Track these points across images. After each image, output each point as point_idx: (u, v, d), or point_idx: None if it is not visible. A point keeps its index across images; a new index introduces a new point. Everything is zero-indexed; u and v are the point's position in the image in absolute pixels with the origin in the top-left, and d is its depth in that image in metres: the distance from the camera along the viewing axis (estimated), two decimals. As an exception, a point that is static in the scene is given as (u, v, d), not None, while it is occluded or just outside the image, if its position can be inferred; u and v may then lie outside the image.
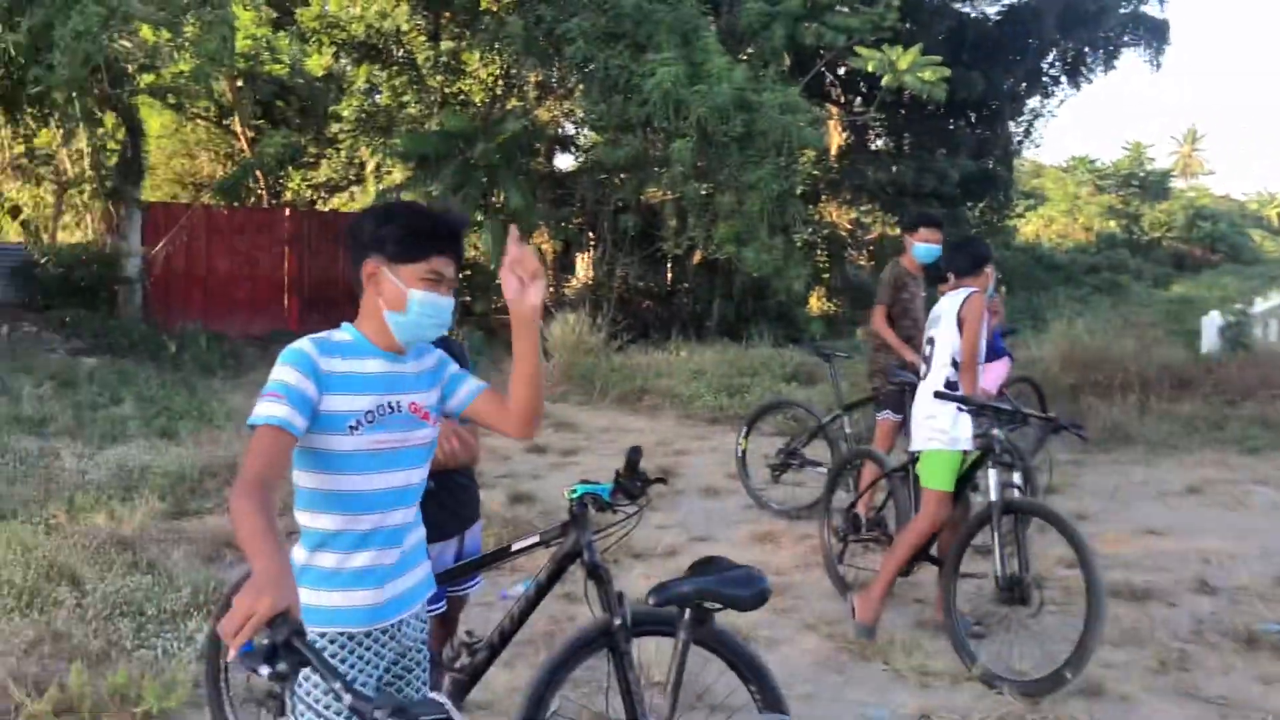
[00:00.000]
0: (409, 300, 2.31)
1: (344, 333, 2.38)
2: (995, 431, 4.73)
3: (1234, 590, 5.59)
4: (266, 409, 2.15)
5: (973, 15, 21.97)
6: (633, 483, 3.17)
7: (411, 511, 2.44)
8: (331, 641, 2.29)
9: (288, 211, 18.66)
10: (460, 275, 10.50)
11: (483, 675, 3.39)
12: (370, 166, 19.31)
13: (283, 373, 2.21)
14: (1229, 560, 6.09)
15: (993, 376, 8.45)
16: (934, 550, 5.12)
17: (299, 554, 2.34)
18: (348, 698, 1.75)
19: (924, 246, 6.39)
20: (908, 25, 17.57)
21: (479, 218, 16.35)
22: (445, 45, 17.72)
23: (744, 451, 7.56)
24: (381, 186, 18.14)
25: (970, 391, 4.90)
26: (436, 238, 2.36)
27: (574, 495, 3.17)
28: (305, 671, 1.92)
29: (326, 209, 20.70)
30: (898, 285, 6.55)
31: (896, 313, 6.52)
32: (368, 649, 2.33)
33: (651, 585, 3.00)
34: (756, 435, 7.93)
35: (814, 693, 4.35)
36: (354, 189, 20.85)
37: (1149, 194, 41.37)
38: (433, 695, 1.73)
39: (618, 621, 3.01)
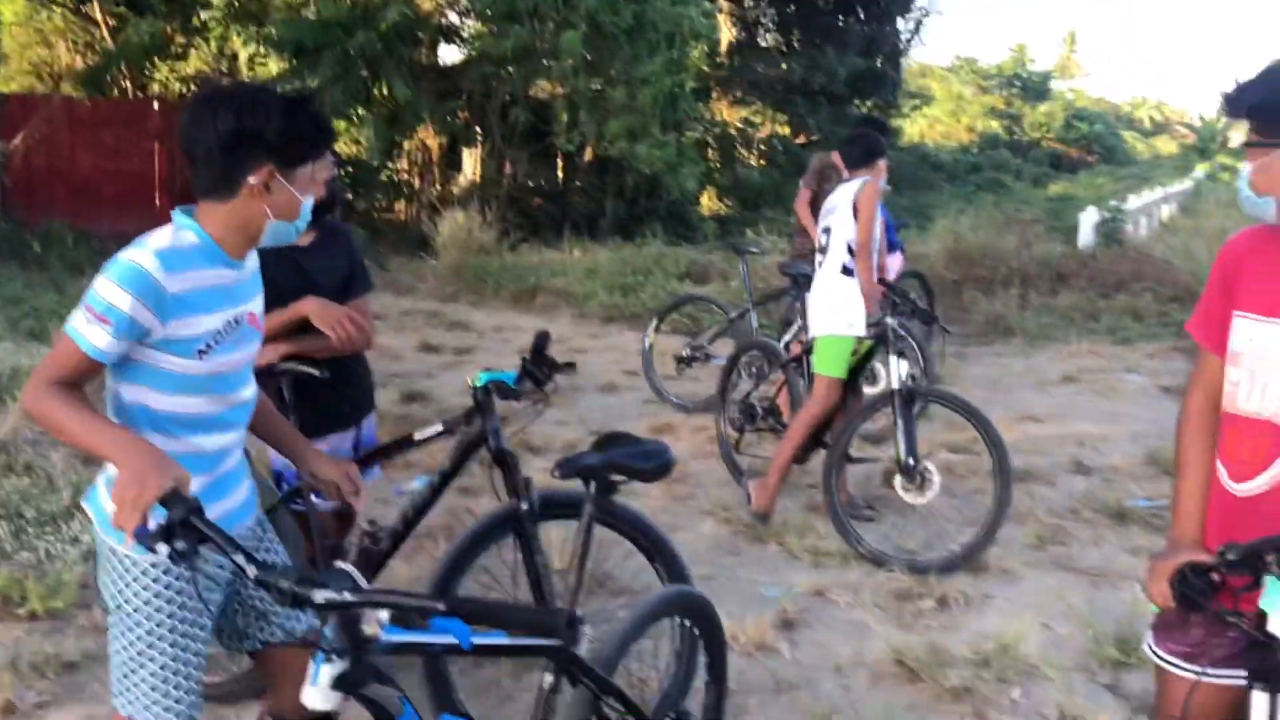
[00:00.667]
0: (303, 209, 2.08)
1: (189, 233, 2.04)
2: (889, 320, 4.83)
3: (1106, 470, 5.88)
4: (89, 332, 1.92)
5: (863, -91, 21.83)
6: (540, 368, 3.14)
7: (238, 433, 2.22)
8: (165, 572, 2.07)
9: (156, 105, 17.71)
10: (344, 171, 10.12)
11: (384, 565, 3.37)
12: (243, 57, 18.39)
13: (116, 295, 1.91)
14: (1102, 443, 6.39)
15: (889, 269, 8.60)
16: (828, 437, 5.25)
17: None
18: (253, 570, 1.71)
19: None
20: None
21: (360, 110, 15.79)
22: (320, -72, 16.84)
23: (651, 344, 7.58)
24: (256, 79, 17.32)
25: (867, 279, 4.96)
26: (327, 134, 2.14)
27: (479, 383, 3.12)
28: (205, 552, 1.86)
29: (197, 102, 19.71)
30: (823, 175, 6.63)
31: (820, 197, 6.58)
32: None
33: (550, 479, 2.99)
34: (663, 331, 7.94)
35: (712, 574, 4.45)
36: (225, 81, 19.88)
37: (1030, 95, 42.31)
38: (341, 565, 1.70)
39: (524, 506, 3.01)
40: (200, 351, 2.02)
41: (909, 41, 24.67)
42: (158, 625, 2.06)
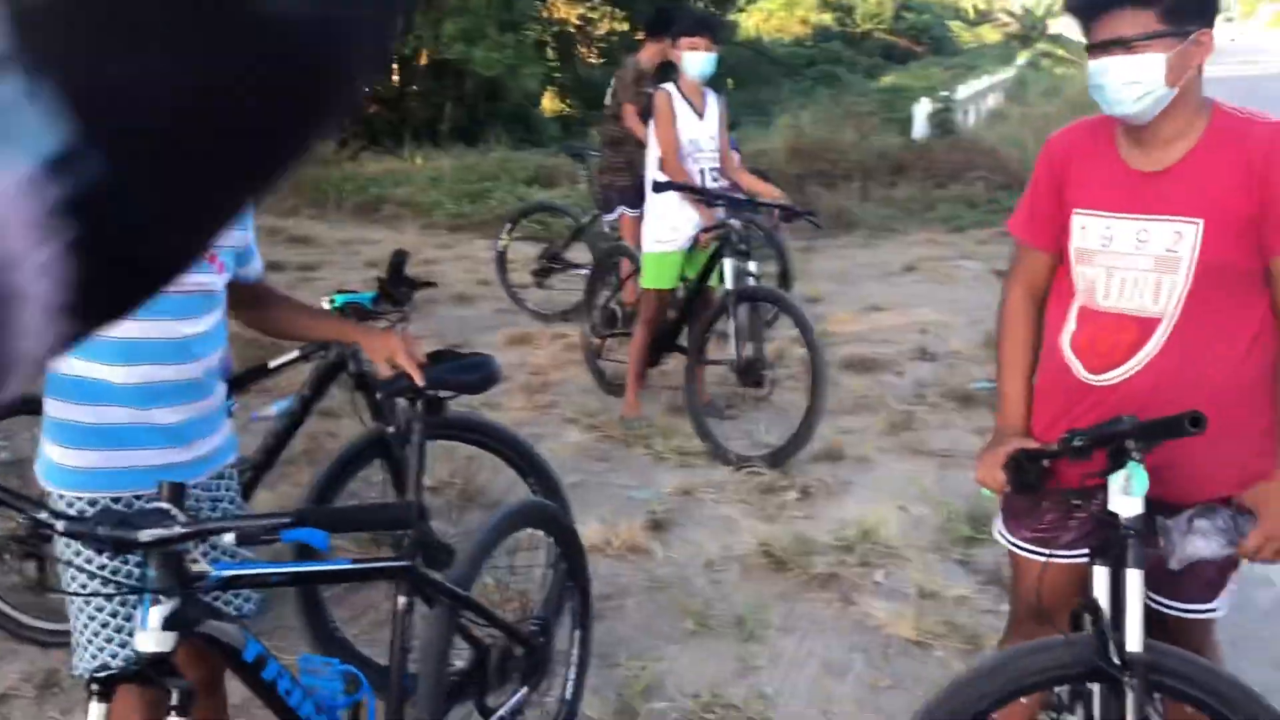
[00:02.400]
0: None
1: None
2: (732, 222, 4.86)
3: (949, 355, 6.15)
4: None
5: None
6: (399, 288, 3.06)
7: (189, 369, 2.08)
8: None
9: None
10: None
11: (249, 497, 3.28)
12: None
13: None
14: (943, 329, 6.66)
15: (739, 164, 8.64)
16: (683, 340, 5.31)
17: (53, 406, 2.02)
18: (61, 524, 1.65)
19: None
20: None
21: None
22: None
23: (505, 248, 7.44)
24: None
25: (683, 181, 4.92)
26: None
27: (334, 305, 3.03)
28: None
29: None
30: (640, 83, 6.48)
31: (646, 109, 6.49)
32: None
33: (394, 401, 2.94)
34: (515, 238, 7.82)
35: (581, 481, 4.49)
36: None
37: (860, -14, 42.65)
38: (160, 504, 1.64)
39: (390, 429, 2.96)
40: None
41: (743, -67, 24.53)
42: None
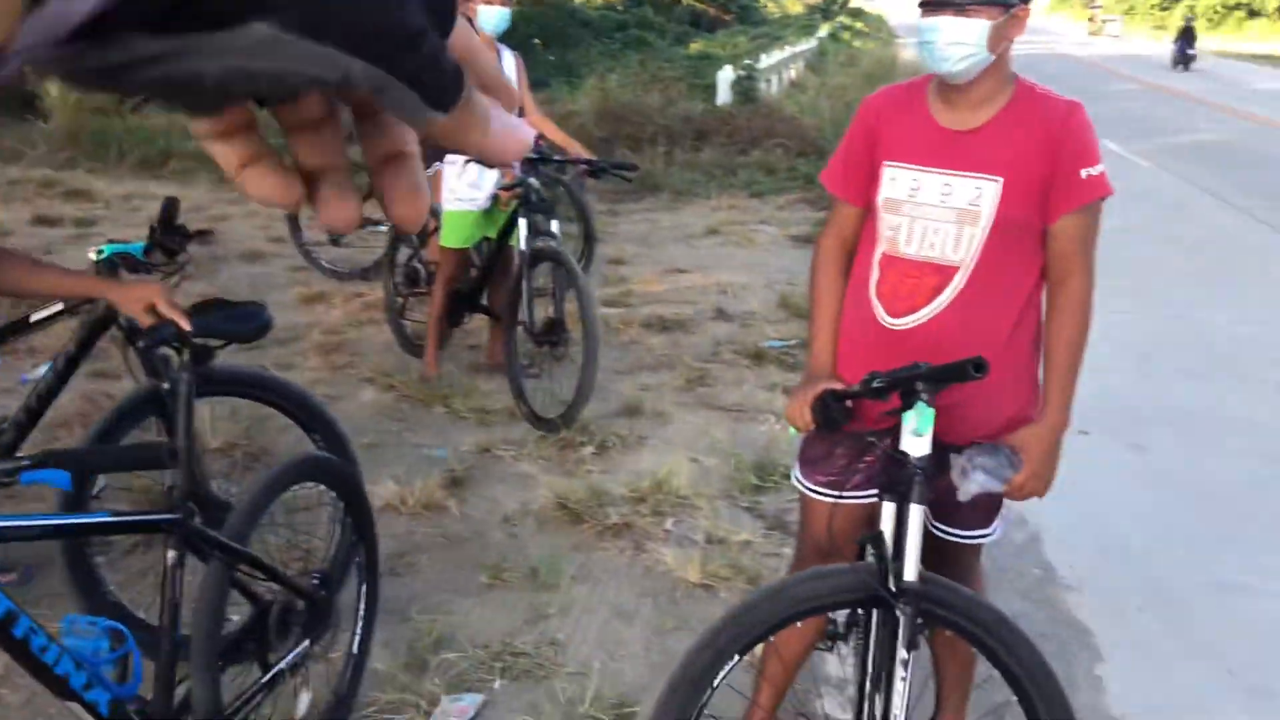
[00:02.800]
0: None
1: None
2: (531, 180, 4.82)
3: (745, 315, 6.34)
4: None
5: None
6: (171, 238, 2.92)
7: None
8: None
9: None
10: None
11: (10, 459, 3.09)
12: None
13: None
14: (741, 290, 6.86)
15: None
16: (484, 300, 5.30)
17: None
18: None
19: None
20: None
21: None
22: None
23: (302, 221, 7.18)
24: None
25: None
26: None
27: (101, 256, 2.87)
28: None
29: None
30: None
31: None
32: None
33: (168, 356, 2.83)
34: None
35: (377, 441, 4.43)
36: None
37: (670, -47, 43.00)
38: None
39: (165, 385, 2.83)
40: None
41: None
42: None
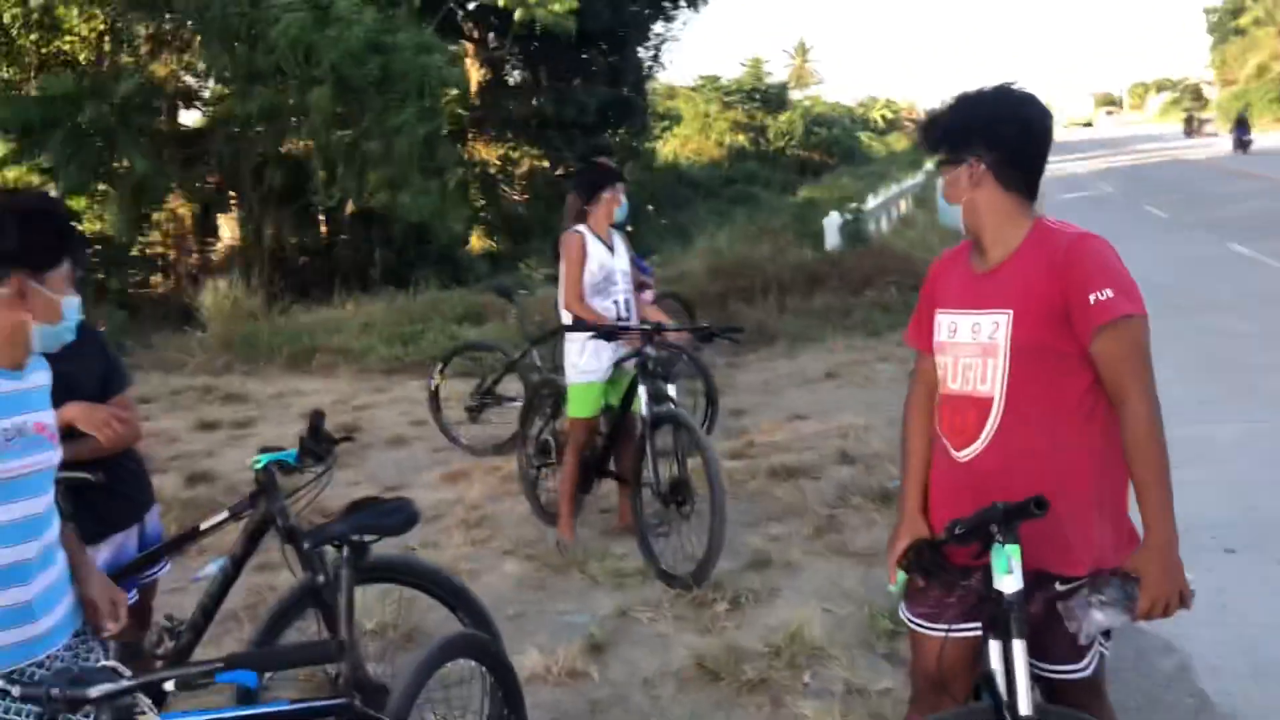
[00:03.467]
0: (64, 309, 2.19)
1: None
2: (649, 350, 5.08)
3: (869, 457, 6.39)
4: None
5: (593, -56, 22.55)
6: (318, 444, 3.23)
7: (43, 540, 2.19)
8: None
9: None
10: (90, 252, 9.70)
11: (189, 657, 3.37)
12: (-39, 141, 17.26)
13: None
14: (864, 432, 6.93)
15: (646, 299, 9.01)
16: (612, 465, 5.52)
17: None
18: (16, 689, 1.79)
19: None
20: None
21: (100, 187, 15.10)
22: (35, 1, 16.01)
23: (437, 387, 7.63)
24: (-21, 162, 16.28)
25: (595, 319, 5.14)
26: (70, 234, 2.22)
27: (258, 465, 3.18)
28: None
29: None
30: (579, 215, 6.84)
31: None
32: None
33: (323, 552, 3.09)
34: (447, 376, 8.03)
35: (520, 611, 4.61)
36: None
37: (770, 106, 44.57)
38: (107, 663, 1.79)
39: (321, 578, 3.08)
40: None
41: (650, 69, 25.67)
42: None
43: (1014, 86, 2.35)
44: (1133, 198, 22.47)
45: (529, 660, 4.01)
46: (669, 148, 41.14)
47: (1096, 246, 2.23)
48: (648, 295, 8.77)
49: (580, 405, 5.30)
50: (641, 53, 24.56)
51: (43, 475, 2.19)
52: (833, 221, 14.44)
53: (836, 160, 43.26)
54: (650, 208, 24.39)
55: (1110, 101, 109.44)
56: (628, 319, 5.33)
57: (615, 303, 5.30)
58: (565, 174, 21.61)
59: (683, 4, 24.67)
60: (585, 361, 5.24)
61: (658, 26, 24.81)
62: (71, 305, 2.21)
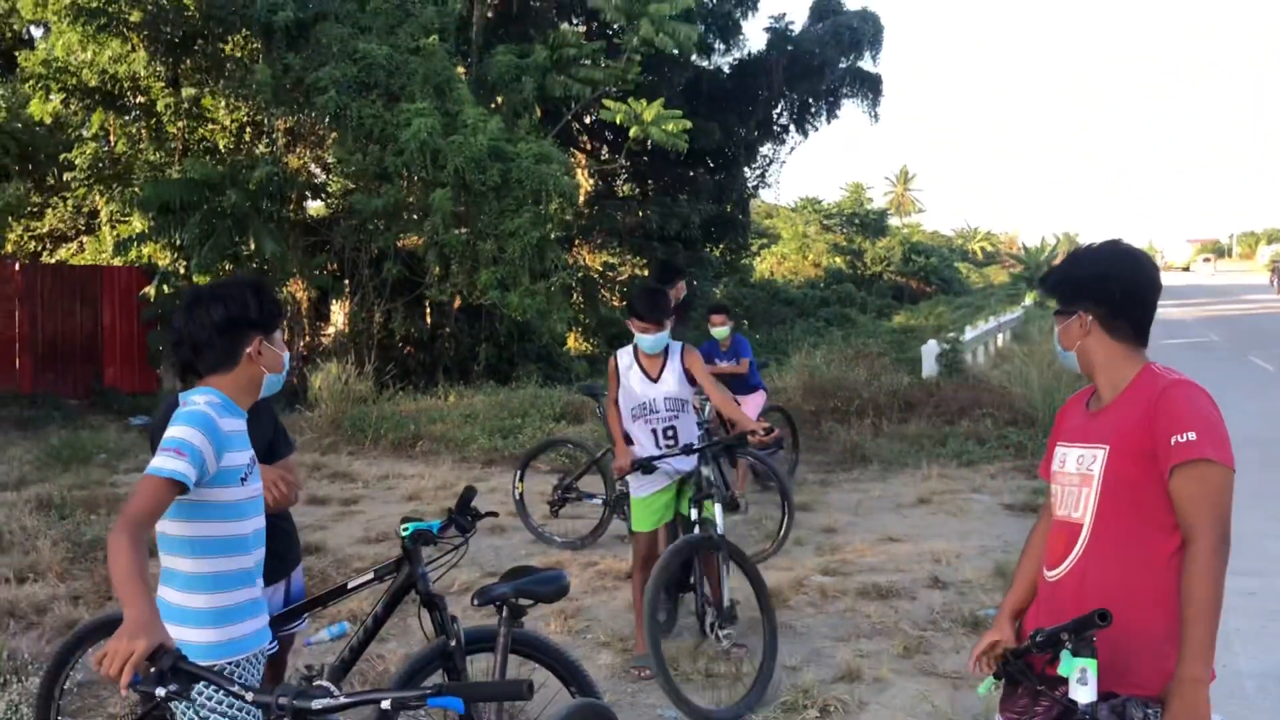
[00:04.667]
0: (285, 361, 2.76)
1: (215, 396, 2.67)
2: (704, 470, 5.14)
3: (960, 583, 6.47)
4: (168, 463, 2.42)
5: (708, 68, 23.47)
6: (464, 518, 3.52)
7: (258, 556, 2.78)
8: (236, 666, 2.60)
9: (17, 266, 17.48)
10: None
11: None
12: (104, 216, 18.44)
13: (185, 432, 2.50)
14: (955, 558, 7.00)
15: (751, 407, 9.24)
16: (691, 579, 5.43)
17: (174, 596, 2.60)
18: (249, 695, 2.06)
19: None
20: (649, 77, 18.63)
21: (228, 266, 15.98)
22: (187, 92, 17.24)
23: (521, 493, 7.95)
24: (119, 237, 17.37)
25: (622, 438, 5.30)
26: (279, 305, 2.79)
27: (406, 532, 3.47)
28: (199, 687, 2.32)
29: (53, 260, 19.53)
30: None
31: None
32: (253, 667, 2.68)
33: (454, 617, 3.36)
34: (532, 474, 8.36)
35: (615, 701, 4.78)
36: (83, 238, 19.80)
37: (869, 231, 44.98)
38: (320, 682, 2.06)
39: (453, 642, 3.34)
40: (242, 479, 2.63)
41: (756, 187, 26.32)
42: None
43: (1122, 243, 2.59)
44: (1238, 348, 22.15)
45: (623, 747, 4.18)
46: (765, 265, 41.74)
47: (1190, 393, 2.41)
48: (759, 400, 9.06)
49: (642, 520, 5.33)
50: (747, 172, 25.26)
51: (261, 496, 2.78)
52: (931, 349, 14.58)
53: (934, 289, 43.35)
54: (745, 322, 24.76)
55: (1215, 249, 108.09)
56: (671, 445, 5.25)
57: (654, 431, 5.28)
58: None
59: (791, 129, 25.37)
60: (636, 476, 5.28)
61: (765, 149, 25.53)
62: (287, 358, 2.78)
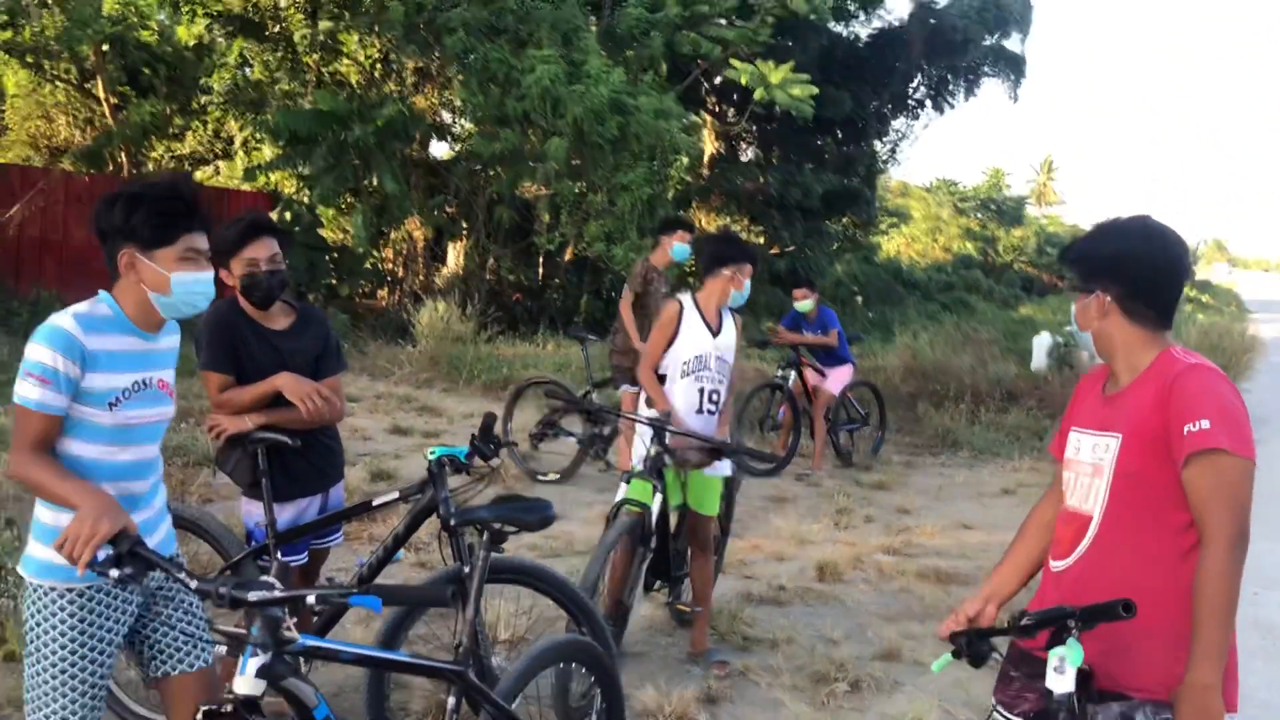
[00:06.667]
0: (171, 283, 2.44)
1: (104, 306, 2.48)
2: (666, 448, 4.55)
3: (1028, 577, 6.23)
4: (32, 392, 2.33)
5: (845, 36, 22.90)
6: (486, 445, 3.51)
7: (152, 479, 2.60)
8: (80, 595, 2.43)
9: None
10: (329, 258, 10.61)
11: (338, 620, 3.71)
12: (238, 142, 19.07)
13: (42, 353, 2.34)
14: (1028, 552, 6.74)
15: (837, 380, 9.08)
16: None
17: (45, 514, 2.46)
18: (194, 583, 2.11)
19: (680, 246, 7.44)
20: (782, 41, 18.28)
21: (349, 199, 16.37)
22: (324, 25, 17.62)
23: (509, 428, 8.31)
24: (250, 163, 17.95)
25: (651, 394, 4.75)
26: (186, 216, 2.47)
27: (432, 456, 3.49)
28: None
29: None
30: (646, 278, 7.49)
31: (645, 299, 7.47)
32: (113, 599, 2.49)
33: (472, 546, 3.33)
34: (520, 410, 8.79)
35: (646, 651, 4.77)
36: (220, 163, 20.53)
37: (1005, 219, 43.60)
38: (266, 579, 2.10)
39: (467, 569, 3.34)
40: (111, 404, 2.42)
41: (885, 162, 25.68)
42: (70, 647, 2.42)
43: (1149, 220, 2.39)
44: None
45: (644, 696, 4.15)
46: (894, 244, 40.85)
47: (1206, 378, 2.23)
48: (845, 373, 8.95)
49: (714, 499, 4.84)
50: (877, 145, 24.65)
51: (161, 424, 2.59)
52: (1042, 341, 14.08)
53: (1067, 284, 41.84)
54: (859, 299, 24.31)
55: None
56: (713, 411, 4.75)
57: (701, 391, 4.72)
58: (779, 254, 21.87)
59: (927, 104, 24.64)
60: (635, 444, 4.81)
61: (898, 123, 24.86)
62: (183, 281, 2.44)
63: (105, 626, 2.46)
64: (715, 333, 4.79)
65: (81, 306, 2.44)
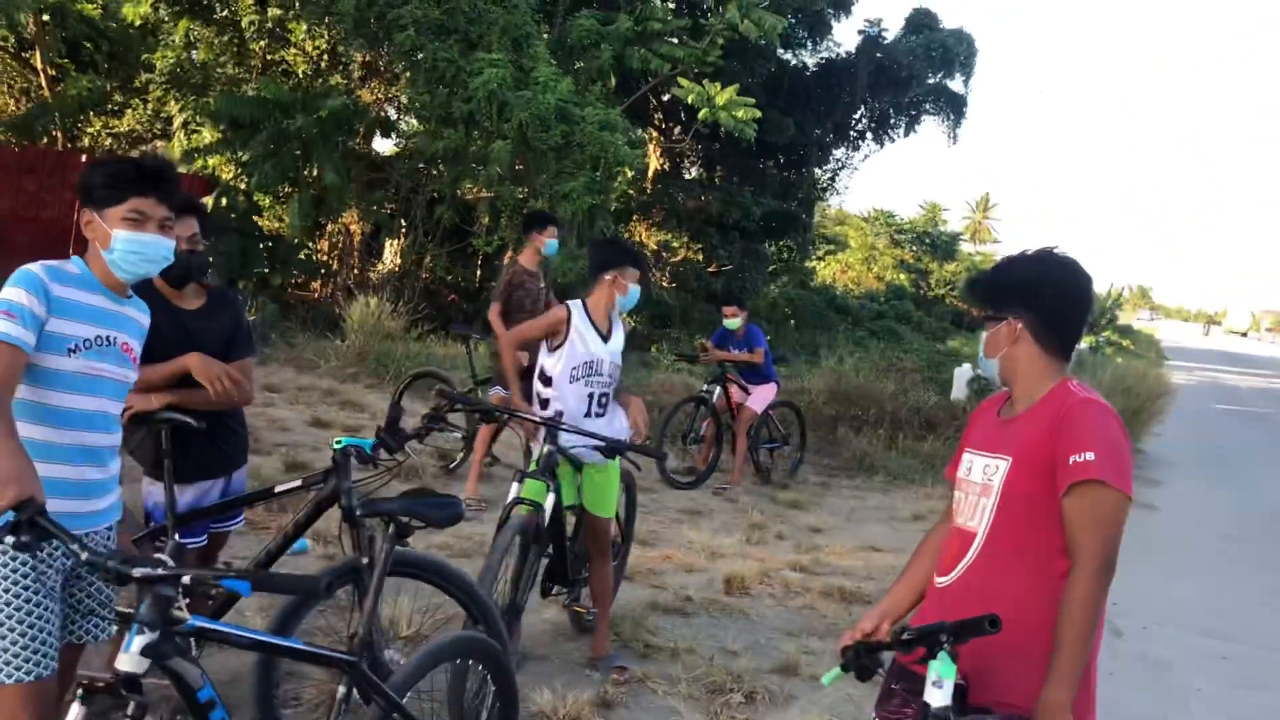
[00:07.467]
0: (112, 239, 2.63)
1: (73, 265, 2.67)
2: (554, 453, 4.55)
3: (928, 601, 6.38)
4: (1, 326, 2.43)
5: (792, 63, 23.22)
6: (392, 438, 3.53)
7: (110, 438, 2.71)
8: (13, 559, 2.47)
9: (84, 157, 17.84)
10: (264, 247, 10.52)
11: (234, 604, 3.69)
12: (178, 123, 18.77)
13: (12, 293, 2.49)
14: (931, 576, 6.90)
15: (760, 398, 9.21)
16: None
17: None
18: (85, 554, 2.14)
19: (551, 241, 7.46)
20: (730, 63, 18.48)
21: (288, 189, 16.20)
22: (273, 12, 17.43)
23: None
24: (188, 146, 17.67)
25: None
26: (136, 180, 2.67)
27: (338, 446, 3.50)
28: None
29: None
30: (512, 284, 7.33)
31: (513, 308, 7.22)
32: (54, 551, 2.54)
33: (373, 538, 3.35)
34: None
35: (548, 655, 4.80)
36: (158, 144, 20.16)
37: (939, 253, 44.36)
38: (157, 555, 2.13)
39: (365, 560, 3.35)
40: (70, 350, 2.56)
41: (824, 189, 26.04)
42: (4, 597, 2.43)
43: (1056, 251, 2.51)
44: (1288, 422, 21.59)
45: (540, 698, 4.18)
46: (829, 270, 41.36)
47: (1097, 413, 2.34)
48: (768, 392, 9.07)
49: (611, 500, 4.86)
50: (818, 172, 24.99)
51: (120, 385, 2.71)
52: (964, 373, 14.37)
53: (979, 314, 42.64)
54: (792, 321, 24.59)
55: None
56: (600, 414, 4.73)
57: (591, 395, 4.70)
58: (716, 271, 22.07)
59: (868, 137, 25.04)
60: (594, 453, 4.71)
61: (839, 152, 25.21)
62: (121, 238, 2.62)
63: (33, 577, 2.47)
64: (606, 338, 4.77)
65: (52, 262, 2.60)
